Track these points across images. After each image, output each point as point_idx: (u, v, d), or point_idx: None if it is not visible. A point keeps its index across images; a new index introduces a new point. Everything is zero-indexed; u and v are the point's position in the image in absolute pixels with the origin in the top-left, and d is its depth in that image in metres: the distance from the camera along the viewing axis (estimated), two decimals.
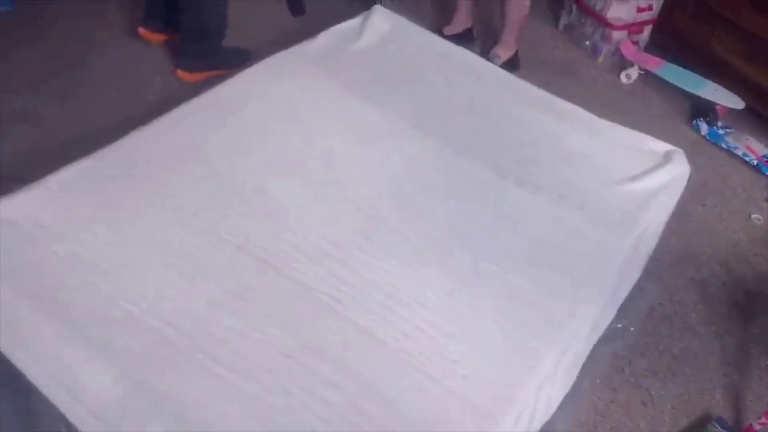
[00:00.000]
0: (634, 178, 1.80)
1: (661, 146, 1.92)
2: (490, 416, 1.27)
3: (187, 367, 1.26)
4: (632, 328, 1.91)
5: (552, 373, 1.43)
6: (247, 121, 1.80)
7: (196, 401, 1.22)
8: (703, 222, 2.32)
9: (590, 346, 1.69)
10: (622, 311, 1.84)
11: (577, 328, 1.50)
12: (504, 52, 2.80)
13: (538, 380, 1.37)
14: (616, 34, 2.91)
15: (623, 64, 2.93)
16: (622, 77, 2.90)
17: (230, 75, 1.92)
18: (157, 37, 2.65)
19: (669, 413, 1.76)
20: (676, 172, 1.85)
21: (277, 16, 2.87)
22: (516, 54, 2.82)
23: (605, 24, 2.90)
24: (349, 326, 1.37)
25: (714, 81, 2.73)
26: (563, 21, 3.14)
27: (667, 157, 1.87)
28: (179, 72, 2.56)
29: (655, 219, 1.81)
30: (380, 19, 2.21)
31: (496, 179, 1.74)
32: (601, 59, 2.99)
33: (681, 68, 2.83)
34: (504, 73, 2.12)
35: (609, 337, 1.81)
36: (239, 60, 2.37)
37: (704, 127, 2.68)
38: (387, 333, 1.37)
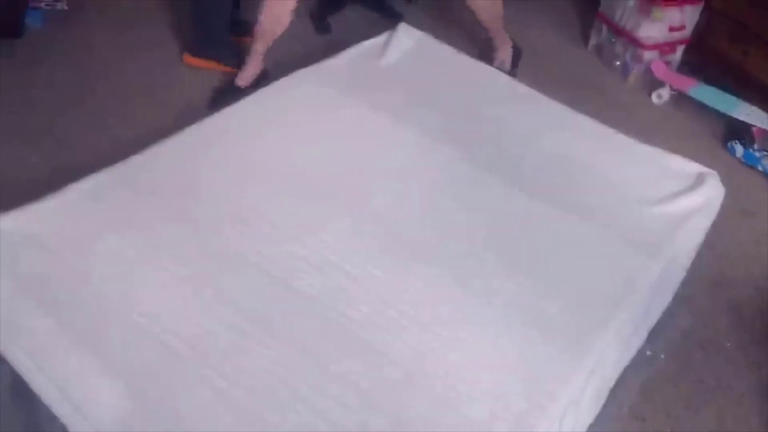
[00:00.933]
0: (666, 199, 1.74)
1: (695, 168, 1.86)
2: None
3: (194, 383, 1.23)
4: (663, 356, 1.83)
5: (576, 400, 1.36)
6: (267, 139, 1.79)
7: (202, 418, 1.19)
8: (738, 246, 2.23)
9: (618, 373, 1.62)
10: (653, 337, 1.77)
11: (603, 352, 1.44)
12: (505, 53, 2.81)
13: (561, 407, 1.30)
14: (648, 54, 2.85)
15: (654, 84, 2.86)
16: (654, 98, 2.84)
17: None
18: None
19: None
20: (710, 194, 1.79)
21: (302, 34, 2.87)
22: (514, 45, 2.83)
23: (636, 43, 2.84)
24: (360, 345, 1.33)
25: (749, 102, 2.64)
26: (593, 41, 3.10)
27: (699, 179, 1.81)
28: (184, 54, 2.70)
29: (687, 243, 1.74)
30: (405, 36, 2.20)
31: (523, 198, 1.70)
32: (631, 79, 2.93)
33: (714, 89, 2.75)
34: (531, 92, 2.08)
35: (638, 363, 1.74)
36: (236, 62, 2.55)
37: (739, 150, 2.60)
38: (401, 353, 1.32)
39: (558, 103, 2.02)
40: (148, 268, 1.42)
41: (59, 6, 2.87)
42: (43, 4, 2.85)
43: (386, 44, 2.16)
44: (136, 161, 1.67)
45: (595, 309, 1.45)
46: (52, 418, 1.17)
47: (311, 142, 1.79)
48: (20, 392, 1.24)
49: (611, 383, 1.59)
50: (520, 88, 2.10)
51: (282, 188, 1.65)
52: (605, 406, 1.66)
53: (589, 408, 1.48)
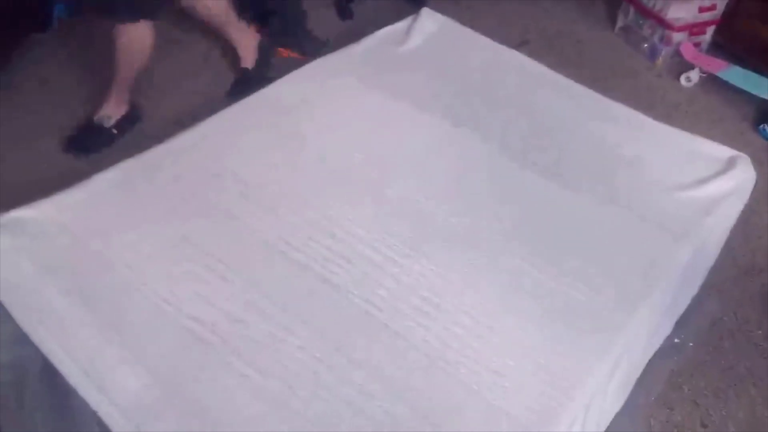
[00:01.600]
0: (695, 184, 1.70)
1: (724, 151, 1.81)
2: (538, 428, 1.20)
3: (219, 370, 1.24)
4: (691, 344, 1.80)
5: (603, 388, 1.34)
6: (290, 127, 1.78)
7: (227, 404, 1.19)
8: None
9: (645, 361, 1.59)
10: (681, 325, 1.74)
11: (631, 340, 1.41)
12: (248, 51, 2.59)
13: (587, 395, 1.28)
14: (676, 36, 2.79)
15: (683, 66, 2.80)
16: (682, 80, 2.78)
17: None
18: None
19: None
20: (741, 178, 1.74)
21: (325, 20, 2.86)
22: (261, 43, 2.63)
23: (664, 25, 2.78)
24: (384, 332, 1.32)
25: None
26: (620, 23, 3.03)
27: (730, 163, 1.77)
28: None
29: (717, 228, 1.70)
30: (428, 21, 2.17)
31: (550, 184, 1.67)
32: (659, 62, 2.86)
33: (745, 70, 2.68)
34: (557, 76, 2.05)
35: (666, 352, 1.71)
36: (314, 48, 2.57)
37: None
38: (425, 340, 1.31)
39: (585, 88, 1.98)
40: (172, 256, 1.43)
41: None
42: None
43: (409, 29, 2.13)
44: (160, 151, 1.68)
45: (622, 296, 1.42)
46: (82, 403, 1.19)
47: (334, 130, 1.78)
48: (50, 376, 1.26)
49: (638, 372, 1.57)
50: (547, 73, 2.07)
51: (306, 176, 1.64)
52: (632, 395, 1.64)
53: (615, 397, 1.46)
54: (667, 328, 1.67)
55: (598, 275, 1.47)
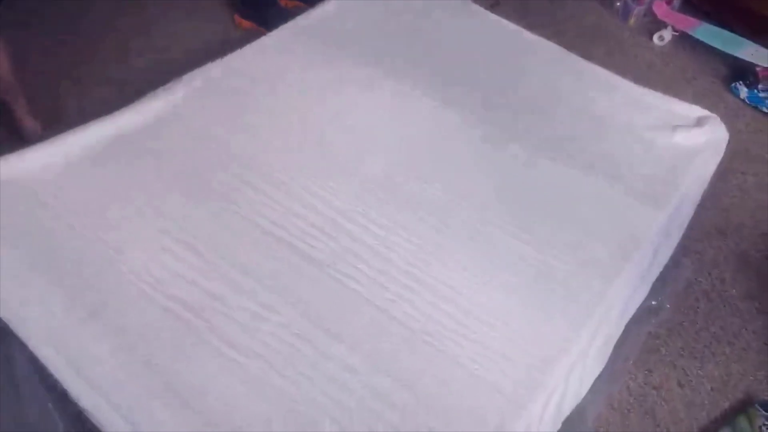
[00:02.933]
0: (668, 145, 1.70)
1: (696, 111, 1.80)
2: (518, 400, 1.20)
3: (197, 347, 1.22)
4: (668, 306, 1.80)
5: (583, 354, 1.35)
6: (266, 97, 1.74)
7: (205, 382, 1.18)
8: (743, 191, 2.19)
9: (623, 325, 1.59)
10: (657, 288, 1.74)
11: (609, 306, 1.41)
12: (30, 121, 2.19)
13: (568, 362, 1.29)
14: None
15: (656, 25, 2.78)
16: (655, 39, 2.76)
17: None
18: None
19: (708, 395, 1.67)
20: (713, 137, 1.74)
21: None
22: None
23: None
24: (365, 306, 1.31)
25: (754, 41, 2.57)
26: None
27: (701, 123, 1.76)
28: (235, 15, 2.65)
29: (692, 187, 1.70)
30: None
31: (523, 151, 1.66)
32: (632, 21, 2.84)
33: (718, 28, 2.67)
34: (530, 36, 2.01)
35: (643, 315, 1.71)
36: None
37: (743, 91, 2.53)
38: (407, 313, 1.30)
39: (556, 46, 1.96)
40: (149, 232, 1.40)
41: None
42: None
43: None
44: (136, 120, 1.63)
45: (600, 264, 1.42)
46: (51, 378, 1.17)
47: (310, 101, 1.74)
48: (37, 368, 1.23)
49: (616, 336, 1.57)
50: (519, 33, 2.03)
51: (286, 148, 1.61)
52: (611, 359, 1.65)
53: (595, 362, 1.47)
54: (643, 292, 1.67)
55: (576, 243, 1.46)
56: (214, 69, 1.79)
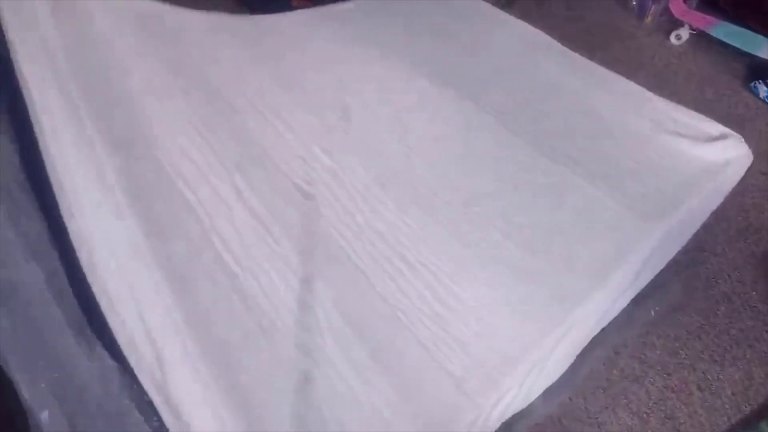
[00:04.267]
0: (682, 161, 1.66)
1: (718, 129, 1.75)
2: (470, 393, 1.24)
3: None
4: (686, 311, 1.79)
5: (543, 359, 1.36)
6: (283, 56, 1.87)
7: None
8: (763, 192, 2.15)
9: (593, 334, 1.54)
10: (672, 288, 1.73)
11: (583, 315, 1.42)
12: None
13: (528, 364, 1.32)
14: None
15: (673, 24, 2.74)
16: (672, 38, 2.72)
17: None
18: None
19: (729, 399, 1.64)
20: (733, 157, 1.69)
21: None
22: None
23: None
24: (351, 272, 1.39)
25: None
26: None
27: (722, 142, 1.71)
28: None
29: (701, 207, 1.68)
30: None
31: (528, 150, 1.66)
32: (648, 20, 2.80)
33: (736, 27, 2.63)
34: (546, 38, 2.00)
35: (660, 321, 1.71)
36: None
37: (763, 90, 2.49)
38: (387, 288, 1.36)
39: (569, 50, 1.95)
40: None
41: None
42: None
43: None
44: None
45: (584, 271, 1.43)
46: None
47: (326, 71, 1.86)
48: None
49: (582, 345, 1.52)
50: (538, 36, 2.02)
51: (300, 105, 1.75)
52: (629, 361, 1.64)
53: (554, 368, 1.45)
54: (622, 303, 1.61)
55: (563, 249, 1.48)
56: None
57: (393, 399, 1.22)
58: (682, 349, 1.72)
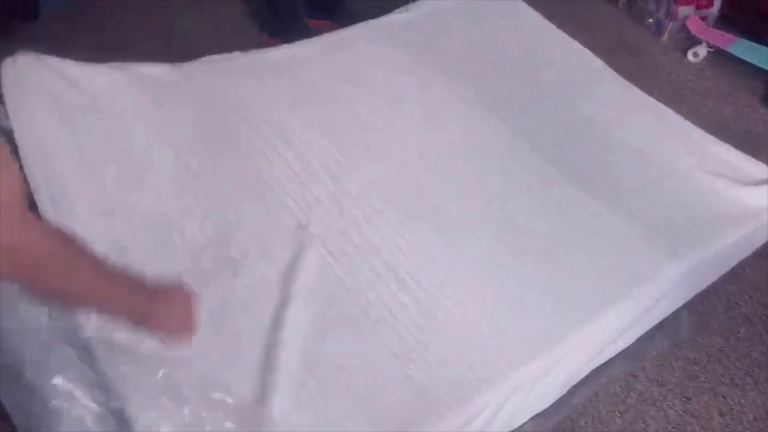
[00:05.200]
0: (716, 201, 1.62)
1: (763, 171, 1.71)
2: (439, 409, 1.20)
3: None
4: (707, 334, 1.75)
5: (529, 386, 1.33)
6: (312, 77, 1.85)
7: None
8: None
9: (588, 370, 1.52)
10: (690, 313, 1.70)
11: (577, 345, 1.38)
12: None
13: (508, 387, 1.28)
14: (682, 10, 2.71)
15: (690, 41, 2.72)
16: (689, 56, 2.70)
17: None
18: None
19: (750, 425, 1.61)
20: None
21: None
22: None
23: None
24: (337, 286, 1.37)
25: None
26: None
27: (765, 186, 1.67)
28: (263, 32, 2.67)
29: (732, 249, 1.62)
30: None
31: (556, 175, 1.64)
32: (665, 37, 2.79)
33: (755, 44, 2.61)
34: (593, 58, 2.03)
35: (679, 343, 1.68)
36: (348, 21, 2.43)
37: None
38: (368, 300, 1.34)
39: (621, 78, 1.97)
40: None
41: None
42: None
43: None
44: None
45: (587, 300, 1.40)
46: None
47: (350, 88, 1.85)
48: None
49: (577, 378, 1.50)
50: (589, 61, 2.04)
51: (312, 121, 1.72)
52: (647, 385, 1.61)
53: (541, 397, 1.43)
54: (627, 340, 1.57)
55: (569, 275, 1.44)
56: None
57: (354, 411, 1.20)
58: (701, 373, 1.69)
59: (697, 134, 1.81)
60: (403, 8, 2.15)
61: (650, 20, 2.83)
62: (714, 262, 1.60)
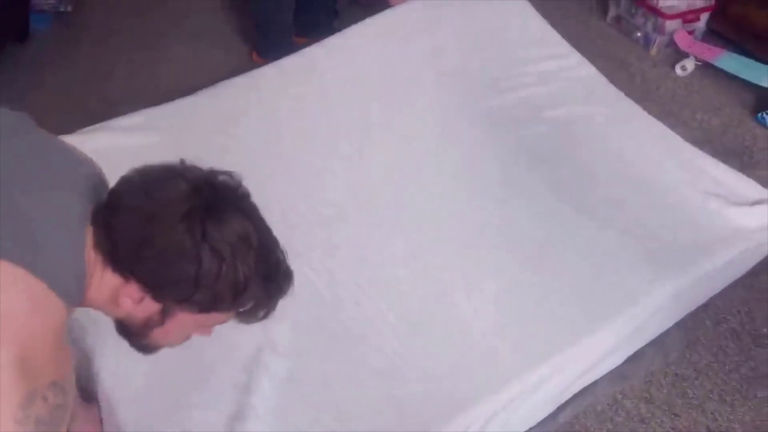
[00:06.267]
0: (710, 220, 1.63)
1: (758, 192, 1.71)
2: (416, 419, 1.21)
3: None
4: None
5: (515, 408, 1.33)
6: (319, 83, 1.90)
7: None
8: None
9: (570, 394, 1.52)
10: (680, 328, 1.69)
11: (560, 368, 1.39)
12: None
13: (491, 409, 1.28)
14: (670, 24, 2.72)
15: (678, 55, 2.73)
16: (677, 70, 2.70)
17: None
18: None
19: None
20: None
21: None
22: None
23: (657, 13, 2.71)
24: (318, 301, 1.39)
25: None
26: (612, 12, 2.96)
27: (761, 206, 1.67)
28: (253, 53, 2.67)
29: (728, 270, 1.65)
30: None
31: (549, 191, 1.67)
32: (654, 51, 2.80)
33: (742, 57, 2.61)
34: (605, 83, 2.04)
35: (671, 358, 1.67)
36: None
37: None
38: (351, 315, 1.36)
39: (622, 94, 2.02)
40: None
41: (62, 8, 2.83)
42: (47, 7, 2.81)
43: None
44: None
45: (575, 320, 1.41)
46: None
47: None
48: None
49: (557, 403, 1.51)
50: (598, 84, 2.06)
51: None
52: (635, 403, 1.59)
53: (519, 422, 1.42)
54: (615, 361, 1.58)
55: (559, 294, 1.45)
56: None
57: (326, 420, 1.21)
58: (690, 389, 1.67)
59: (692, 153, 1.82)
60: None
61: (638, 34, 2.84)
62: (706, 283, 1.60)
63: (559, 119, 1.88)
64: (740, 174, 1.77)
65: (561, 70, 2.05)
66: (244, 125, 1.77)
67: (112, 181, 0.95)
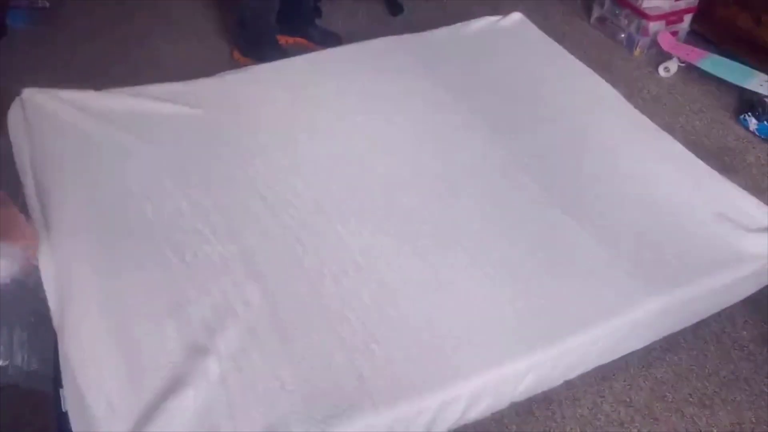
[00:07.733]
0: (713, 243, 1.59)
1: (764, 214, 1.68)
2: (377, 396, 1.22)
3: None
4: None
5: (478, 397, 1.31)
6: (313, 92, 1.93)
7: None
8: None
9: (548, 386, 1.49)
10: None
11: (539, 369, 1.37)
12: None
13: (453, 399, 1.28)
14: (653, 25, 2.72)
15: (662, 56, 2.73)
16: (661, 71, 2.71)
17: None
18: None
19: None
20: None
21: (378, 17, 2.84)
22: None
23: (641, 14, 2.71)
24: (300, 269, 1.42)
25: (762, 72, 2.52)
26: (596, 13, 2.96)
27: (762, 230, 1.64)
28: (233, 51, 2.64)
29: (724, 295, 1.62)
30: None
31: (546, 197, 1.66)
32: (637, 52, 2.80)
33: (725, 59, 2.62)
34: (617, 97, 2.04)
35: (650, 361, 1.65)
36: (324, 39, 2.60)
37: (753, 122, 2.47)
38: (330, 291, 1.38)
39: (632, 107, 2.00)
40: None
41: (40, 3, 2.78)
42: (24, 3, 2.77)
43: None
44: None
45: (554, 327, 1.39)
46: None
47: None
48: None
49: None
50: (607, 94, 2.05)
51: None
52: (614, 407, 1.58)
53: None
54: (589, 364, 1.53)
55: (543, 302, 1.43)
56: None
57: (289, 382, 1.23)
58: (669, 392, 1.66)
59: (701, 169, 1.79)
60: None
61: (622, 35, 2.84)
62: (697, 303, 1.57)
63: (560, 126, 1.87)
64: (749, 195, 1.73)
65: (568, 82, 2.06)
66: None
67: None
